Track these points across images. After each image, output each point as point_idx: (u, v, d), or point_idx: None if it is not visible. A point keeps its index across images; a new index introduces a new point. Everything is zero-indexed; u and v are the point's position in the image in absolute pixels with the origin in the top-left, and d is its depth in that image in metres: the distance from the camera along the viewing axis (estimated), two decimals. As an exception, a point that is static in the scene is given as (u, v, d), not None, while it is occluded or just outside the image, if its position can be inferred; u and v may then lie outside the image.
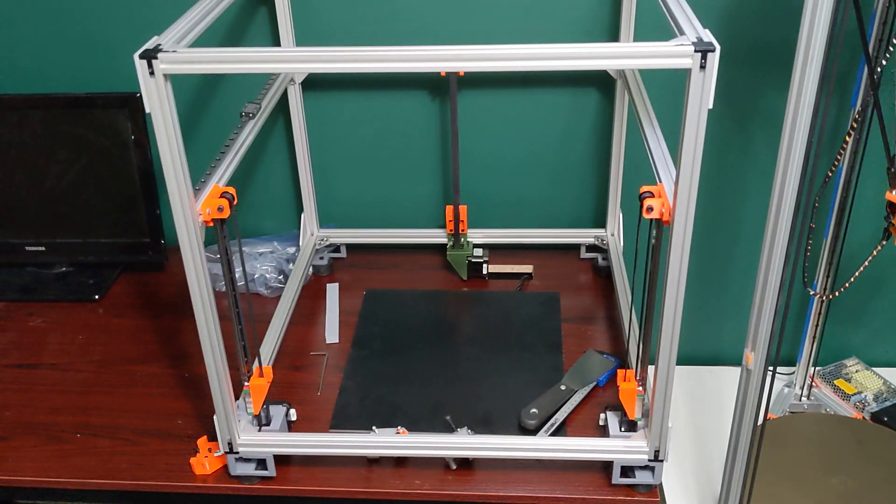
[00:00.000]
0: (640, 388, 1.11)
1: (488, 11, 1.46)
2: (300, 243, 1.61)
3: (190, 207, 0.97)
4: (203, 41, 1.47)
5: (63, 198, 1.52)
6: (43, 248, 1.57)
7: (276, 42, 1.50)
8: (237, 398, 1.16)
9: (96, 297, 1.56)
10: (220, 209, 1.00)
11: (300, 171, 1.57)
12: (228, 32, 1.50)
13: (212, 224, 1.01)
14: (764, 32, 1.44)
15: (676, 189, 0.93)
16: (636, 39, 1.43)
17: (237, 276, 1.41)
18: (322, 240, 1.63)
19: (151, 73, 0.89)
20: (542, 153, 1.59)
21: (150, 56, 0.88)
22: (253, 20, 1.49)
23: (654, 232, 1.02)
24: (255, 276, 1.55)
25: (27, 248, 1.57)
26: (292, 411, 1.22)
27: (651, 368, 1.09)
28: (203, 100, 1.58)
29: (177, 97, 1.57)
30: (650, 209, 0.97)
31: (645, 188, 0.99)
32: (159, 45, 0.90)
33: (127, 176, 1.50)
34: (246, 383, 1.14)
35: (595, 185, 1.62)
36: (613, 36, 1.46)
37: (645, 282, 1.05)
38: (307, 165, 1.56)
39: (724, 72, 1.47)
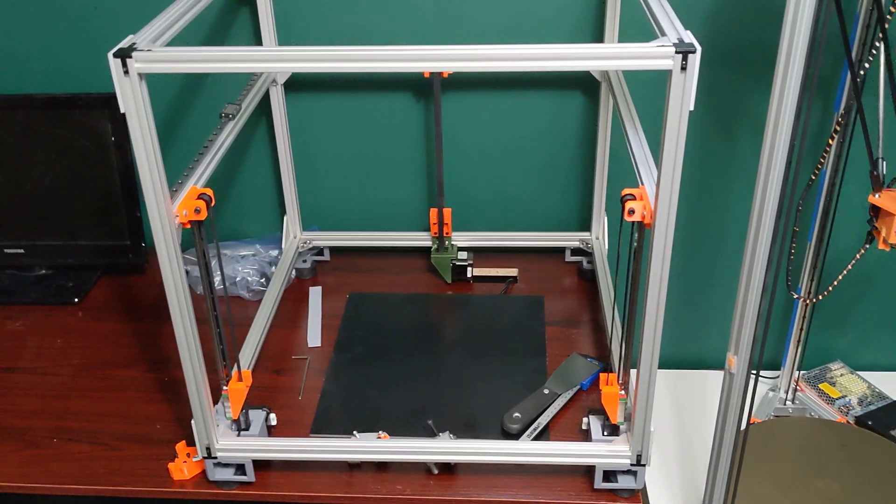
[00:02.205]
0: (623, 392, 1.10)
1: (472, 13, 1.45)
2: (282, 246, 1.60)
3: (166, 209, 0.95)
4: (183, 41, 1.47)
5: (43, 200, 1.50)
6: (22, 251, 1.55)
7: (258, 43, 1.49)
8: (216, 402, 1.15)
9: (76, 300, 1.54)
10: (198, 211, 0.99)
11: (283, 173, 1.55)
12: (209, 33, 1.49)
13: (189, 226, 1.00)
14: (747, 34, 1.44)
15: (658, 191, 0.92)
16: (621, 41, 1.42)
17: (216, 279, 1.39)
18: (305, 242, 1.61)
19: (126, 73, 0.87)
20: (526, 156, 1.58)
21: (124, 55, 0.86)
22: (234, 21, 1.48)
23: (636, 235, 1.01)
24: (237, 279, 1.54)
25: (6, 250, 1.55)
26: (272, 416, 1.21)
27: (634, 372, 1.09)
28: (184, 100, 1.56)
29: (158, 97, 1.57)
30: (632, 212, 0.97)
31: (627, 191, 0.98)
32: (134, 43, 0.88)
33: (107, 178, 1.48)
34: (225, 387, 1.12)
35: (580, 188, 1.61)
36: (598, 37, 1.46)
37: (627, 285, 1.05)
38: (290, 167, 1.55)
39: (707, 73, 1.47)
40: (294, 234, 1.61)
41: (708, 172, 1.56)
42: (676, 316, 1.73)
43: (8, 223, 1.53)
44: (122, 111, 0.89)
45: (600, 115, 1.48)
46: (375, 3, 1.45)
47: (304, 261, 1.60)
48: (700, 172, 1.56)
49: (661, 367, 1.72)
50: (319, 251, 1.64)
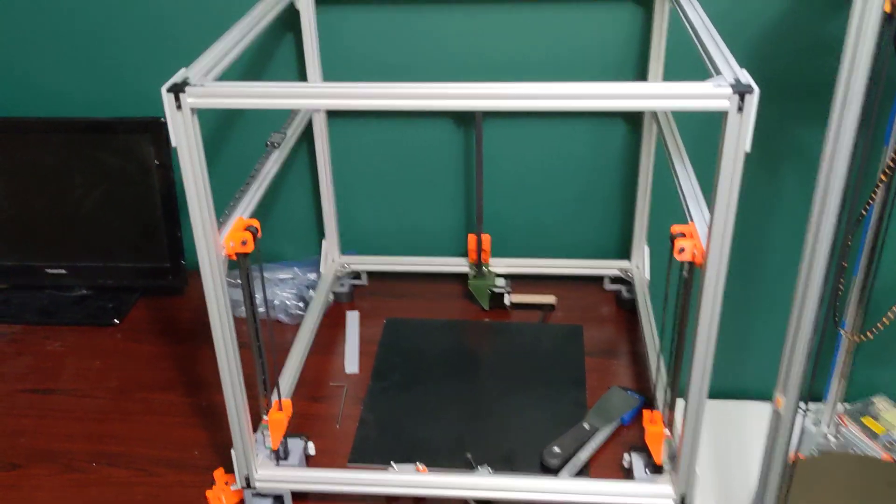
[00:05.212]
0: (668, 431, 1.08)
1: (515, 45, 1.44)
2: (321, 270, 1.60)
3: (213, 241, 0.95)
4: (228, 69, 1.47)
5: (84, 221, 1.52)
6: (63, 272, 1.56)
7: (301, 69, 1.49)
8: (255, 430, 1.14)
9: (115, 321, 1.54)
10: (244, 243, 0.99)
11: (322, 196, 1.55)
12: (253, 59, 1.50)
13: (235, 258, 1.00)
14: (793, 67, 1.41)
15: (710, 233, 0.90)
16: (666, 77, 1.40)
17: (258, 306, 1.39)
18: (343, 267, 1.61)
19: (178, 107, 0.87)
20: (566, 182, 1.57)
21: (177, 90, 0.87)
22: (279, 46, 1.49)
23: (686, 273, 0.99)
24: (276, 302, 1.54)
25: (47, 270, 1.57)
26: (310, 445, 1.20)
27: (678, 408, 1.06)
28: (227, 126, 1.57)
29: (201, 124, 1.57)
30: (682, 250, 0.95)
31: (676, 228, 0.97)
32: (187, 78, 0.88)
33: (148, 200, 1.49)
34: (265, 417, 1.12)
35: (620, 216, 1.60)
36: (641, 73, 1.44)
37: (675, 324, 1.03)
38: (330, 191, 1.55)
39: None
40: (332, 258, 1.61)
41: (750, 199, 1.54)
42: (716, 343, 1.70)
43: (50, 244, 1.54)
44: (173, 145, 0.89)
45: (643, 144, 1.47)
46: (418, 36, 1.45)
47: (342, 285, 1.60)
48: (742, 200, 1.54)
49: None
50: (357, 275, 1.63)
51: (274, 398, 1.14)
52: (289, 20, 1.45)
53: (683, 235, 0.96)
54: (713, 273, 0.92)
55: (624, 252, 1.63)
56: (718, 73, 0.88)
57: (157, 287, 1.62)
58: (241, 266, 1.02)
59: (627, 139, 1.52)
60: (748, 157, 1.48)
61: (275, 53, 1.49)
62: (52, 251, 1.55)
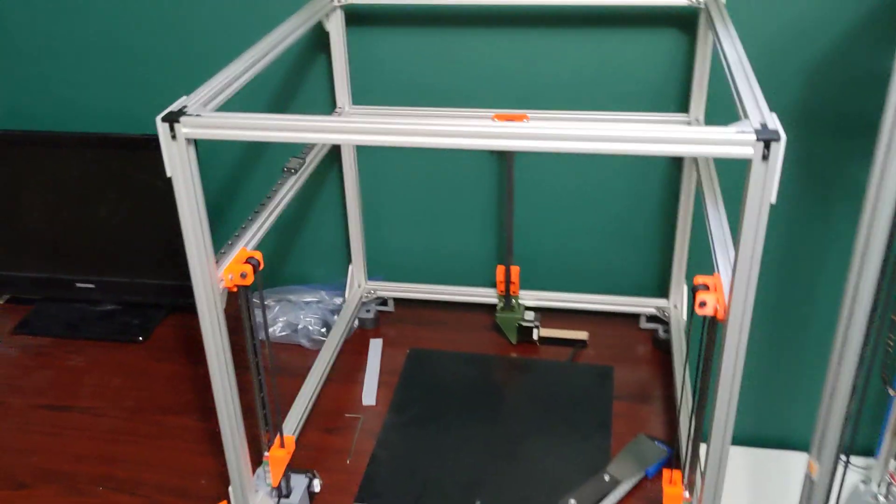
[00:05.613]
0: (688, 494, 1.01)
1: (551, 69, 1.39)
2: (346, 295, 1.56)
3: (210, 274, 0.92)
4: (258, 84, 1.45)
5: (113, 236, 1.51)
6: (92, 286, 1.57)
7: (332, 89, 1.46)
8: (259, 465, 1.11)
9: (140, 338, 1.54)
10: (244, 276, 0.96)
11: (350, 221, 1.52)
12: (286, 77, 1.47)
13: (235, 290, 0.97)
14: (849, 100, 1.32)
15: (732, 289, 0.83)
16: (708, 106, 1.32)
17: (263, 330, 1.36)
18: (369, 292, 1.57)
19: (173, 137, 0.85)
20: (602, 215, 1.50)
21: (172, 119, 0.84)
22: (311, 67, 1.46)
23: (707, 328, 0.92)
24: (299, 326, 1.51)
25: (77, 284, 1.57)
26: (316, 482, 1.16)
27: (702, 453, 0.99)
28: (258, 147, 1.55)
29: (231, 143, 1.55)
30: (703, 304, 0.88)
31: (699, 279, 0.90)
32: (184, 107, 0.86)
33: (177, 218, 1.47)
34: (266, 453, 1.08)
35: (659, 252, 1.52)
36: (684, 102, 1.37)
37: (695, 381, 0.96)
38: (357, 215, 1.51)
39: (806, 139, 1.36)
40: (359, 282, 1.58)
41: (800, 235, 1.45)
42: (758, 386, 1.61)
43: (80, 258, 1.55)
44: (168, 175, 0.86)
45: (683, 180, 1.39)
46: (450, 57, 1.40)
47: (368, 310, 1.56)
48: (792, 235, 1.45)
49: (738, 443, 1.60)
50: (384, 301, 1.59)
51: (276, 436, 1.10)
52: (320, 41, 1.42)
53: (706, 287, 0.89)
54: (735, 331, 0.85)
55: (662, 290, 1.55)
56: (746, 116, 0.81)
57: (184, 305, 1.61)
58: (241, 299, 0.99)
59: (668, 173, 1.44)
60: (801, 195, 1.40)
61: (307, 74, 1.47)
62: (82, 265, 1.55)
